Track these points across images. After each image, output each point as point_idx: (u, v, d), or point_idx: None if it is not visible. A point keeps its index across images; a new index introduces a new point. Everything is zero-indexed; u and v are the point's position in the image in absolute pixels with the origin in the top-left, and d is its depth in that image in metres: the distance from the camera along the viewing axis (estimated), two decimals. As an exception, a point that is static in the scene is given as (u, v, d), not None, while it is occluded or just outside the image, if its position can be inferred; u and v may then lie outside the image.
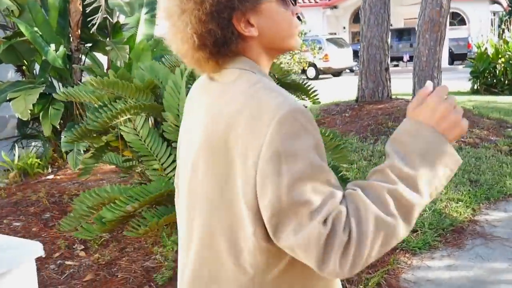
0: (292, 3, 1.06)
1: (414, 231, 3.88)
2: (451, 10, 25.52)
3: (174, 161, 3.59)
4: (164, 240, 3.67)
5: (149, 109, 3.59)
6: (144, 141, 3.46)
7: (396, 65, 23.61)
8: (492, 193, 4.73)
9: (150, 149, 3.49)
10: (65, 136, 4.72)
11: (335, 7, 26.63)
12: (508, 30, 12.57)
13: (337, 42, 20.91)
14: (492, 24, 27.45)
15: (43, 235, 4.00)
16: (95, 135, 3.55)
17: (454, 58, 23.33)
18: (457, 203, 4.46)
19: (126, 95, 3.42)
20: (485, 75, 12.84)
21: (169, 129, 3.50)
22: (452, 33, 24.14)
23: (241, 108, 0.95)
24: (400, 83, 11.99)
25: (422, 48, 6.25)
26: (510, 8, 36.51)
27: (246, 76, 1.01)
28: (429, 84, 0.99)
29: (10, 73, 6.62)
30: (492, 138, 6.22)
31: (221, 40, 0.99)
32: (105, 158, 3.83)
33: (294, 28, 1.07)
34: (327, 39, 20.39)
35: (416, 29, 6.50)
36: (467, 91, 13.04)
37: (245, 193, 0.94)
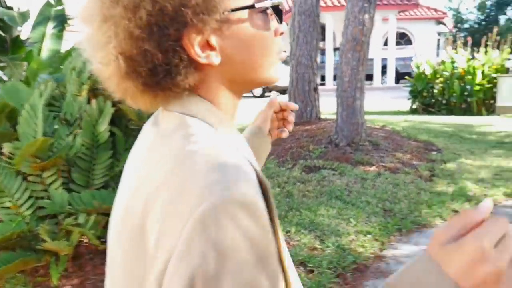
0: (277, 20, 0.73)
1: (310, 271, 3.52)
2: (398, 30, 26.17)
3: (31, 197, 3.13)
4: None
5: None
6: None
7: (322, 84, 23.66)
8: (405, 224, 4.44)
9: (1, 183, 3.03)
10: None
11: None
12: (456, 49, 12.66)
13: (285, 60, 20.74)
14: (438, 44, 28.07)
15: None
16: None
17: (400, 77, 23.65)
18: (365, 236, 4.14)
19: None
20: (423, 95, 12.89)
21: (24, 162, 3.05)
22: (399, 52, 24.60)
23: (165, 179, 0.62)
24: (329, 101, 11.75)
25: (345, 67, 5.99)
26: (456, 29, 37.61)
27: (187, 129, 0.66)
28: (485, 205, 0.56)
29: None
30: (414, 163, 5.98)
31: (162, 69, 0.65)
32: None
33: (275, 54, 0.74)
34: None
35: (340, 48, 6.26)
36: (407, 110, 13.04)
37: None
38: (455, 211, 4.82)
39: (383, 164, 5.73)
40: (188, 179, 0.59)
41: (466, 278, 0.53)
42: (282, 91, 20.82)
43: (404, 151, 6.33)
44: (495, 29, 13.05)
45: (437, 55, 21.93)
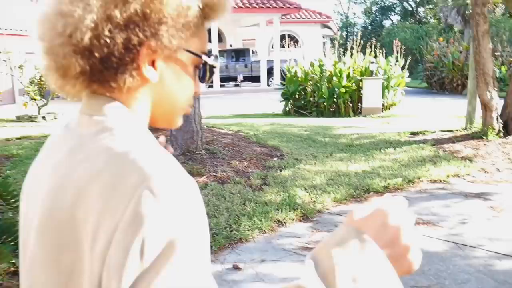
0: (206, 79, 0.82)
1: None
2: (286, 33, 26.56)
3: None
4: None
5: None
6: None
7: (222, 85, 23.59)
8: (218, 240, 4.14)
9: None
10: None
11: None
12: (345, 53, 12.85)
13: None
14: (324, 47, 28.86)
15: None
16: None
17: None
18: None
19: None
20: (296, 97, 12.96)
21: None
22: (287, 55, 24.93)
23: (99, 171, 0.66)
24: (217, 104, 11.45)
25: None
26: (346, 33, 39.08)
27: (111, 131, 0.71)
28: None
29: None
30: (249, 171, 5.75)
31: (115, 61, 0.71)
32: None
33: (188, 105, 0.83)
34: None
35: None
36: (281, 113, 13.05)
37: None
38: (279, 221, 4.62)
39: (215, 174, 5.43)
40: (128, 163, 0.66)
41: (378, 236, 0.64)
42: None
43: (243, 158, 6.09)
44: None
45: (325, 57, 22.47)
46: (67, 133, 0.77)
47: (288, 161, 6.35)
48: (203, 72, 0.81)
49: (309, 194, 5.27)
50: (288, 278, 3.56)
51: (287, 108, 13.01)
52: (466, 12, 25.72)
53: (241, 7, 21.48)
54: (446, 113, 11.72)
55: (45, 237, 0.71)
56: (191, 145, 5.81)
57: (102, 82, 0.73)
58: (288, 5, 21.57)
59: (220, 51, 24.21)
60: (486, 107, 7.57)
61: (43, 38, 0.73)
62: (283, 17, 23.19)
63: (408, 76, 13.17)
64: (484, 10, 6.77)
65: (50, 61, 0.73)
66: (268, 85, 22.50)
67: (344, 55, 13.05)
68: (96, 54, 0.70)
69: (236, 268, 3.75)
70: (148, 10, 0.70)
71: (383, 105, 12.37)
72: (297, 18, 26.21)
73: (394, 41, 13.47)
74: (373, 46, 12.84)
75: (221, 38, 27.63)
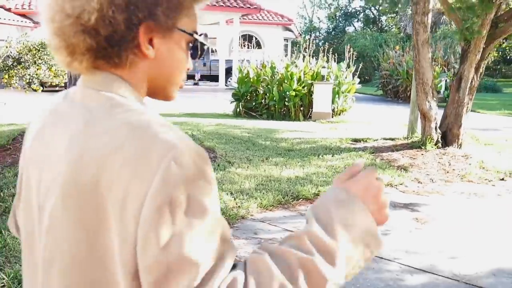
0: (198, 55, 0.91)
1: None
2: (246, 32, 26.40)
3: None
4: None
5: None
6: None
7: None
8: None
9: None
10: None
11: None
12: (310, 56, 12.73)
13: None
14: (285, 49, 28.85)
15: None
16: None
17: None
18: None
19: None
20: (247, 98, 12.79)
21: None
22: (248, 55, 24.79)
23: (121, 143, 0.75)
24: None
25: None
26: (309, 37, 39.21)
27: (123, 106, 0.81)
28: (360, 161, 0.93)
29: None
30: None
31: (118, 38, 0.80)
32: None
33: (181, 79, 0.91)
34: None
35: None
36: (231, 113, 12.87)
37: (122, 253, 0.74)
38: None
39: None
40: (151, 136, 0.74)
41: (363, 196, 0.84)
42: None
43: (171, 159, 5.87)
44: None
45: (287, 59, 22.43)
46: (72, 105, 0.85)
47: (219, 164, 6.15)
48: (195, 50, 0.89)
49: (235, 199, 5.09)
50: None
51: (238, 109, 12.82)
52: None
53: (201, 4, 21.24)
54: (394, 121, 11.78)
55: (69, 200, 0.79)
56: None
57: (106, 58, 0.82)
58: (248, 5, 21.42)
59: (179, 49, 23.93)
60: (425, 117, 7.58)
61: (54, 19, 0.80)
62: (244, 17, 23.03)
63: (366, 83, 13.24)
64: (425, 19, 6.77)
65: (60, 41, 0.81)
66: (226, 85, 22.30)
67: (304, 58, 12.96)
68: (102, 33, 0.79)
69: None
70: None
71: (333, 110, 12.35)
72: (259, 19, 26.13)
73: (346, 47, 13.47)
74: (325, 50, 12.81)
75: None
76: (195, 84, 23.81)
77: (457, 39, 7.26)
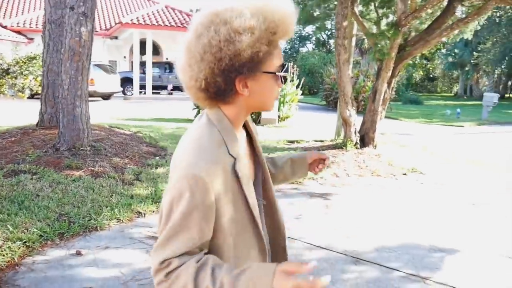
0: (281, 80, 1.07)
1: None
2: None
3: None
4: None
5: None
6: None
7: (157, 93, 23.52)
8: (73, 228, 3.89)
9: None
10: None
11: (116, 37, 25.13)
12: None
13: (105, 68, 19.44)
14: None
15: None
16: None
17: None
18: (14, 242, 3.49)
19: None
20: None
21: None
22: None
23: (183, 151, 1.03)
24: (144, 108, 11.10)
25: (64, 76, 5.31)
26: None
27: (204, 126, 1.05)
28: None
29: None
30: (128, 167, 5.52)
31: (222, 91, 1.02)
32: None
33: (275, 97, 1.10)
34: (95, 65, 18.76)
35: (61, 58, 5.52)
36: (192, 119, 12.84)
37: None
38: (139, 213, 4.43)
39: (92, 168, 5.16)
40: (185, 155, 1.00)
41: None
42: (106, 96, 19.60)
43: (126, 156, 5.84)
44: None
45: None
46: (197, 120, 1.11)
47: (167, 160, 6.17)
48: (280, 79, 1.06)
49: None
50: (121, 264, 3.40)
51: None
52: (362, 46, 26.79)
53: (173, 25, 21.13)
54: (327, 126, 11.99)
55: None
56: (77, 141, 5.50)
57: (218, 101, 1.05)
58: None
59: (154, 63, 23.68)
60: (346, 123, 7.77)
61: (183, 80, 1.05)
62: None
63: (314, 95, 13.39)
64: (345, 42, 6.96)
65: (189, 93, 1.06)
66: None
67: None
68: (210, 90, 1.02)
69: (78, 254, 3.53)
70: (233, 62, 0.98)
71: (279, 116, 12.48)
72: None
73: (289, 64, 13.63)
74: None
75: (158, 51, 27.06)
76: (169, 93, 23.64)
77: (373, 59, 7.47)
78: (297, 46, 43.46)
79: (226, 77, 0.99)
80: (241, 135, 1.16)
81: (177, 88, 24.19)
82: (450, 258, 3.75)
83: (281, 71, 1.05)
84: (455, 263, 3.64)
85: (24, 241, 3.54)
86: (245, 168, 1.07)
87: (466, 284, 3.28)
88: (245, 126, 1.21)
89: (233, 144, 1.05)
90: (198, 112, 12.82)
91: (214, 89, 1.01)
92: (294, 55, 40.33)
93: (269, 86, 1.05)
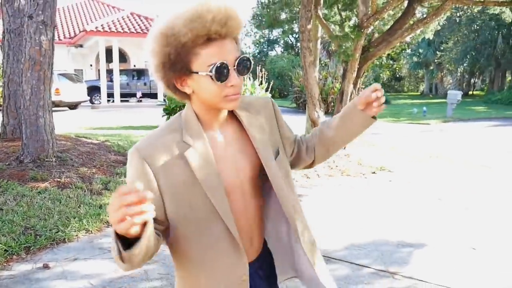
0: (220, 80, 1.06)
1: None
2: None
3: None
4: None
5: None
6: None
7: (126, 100, 23.30)
8: (39, 241, 3.80)
9: None
10: None
11: (81, 45, 24.68)
12: None
13: (71, 77, 19.05)
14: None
15: None
16: None
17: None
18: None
19: None
20: (176, 112, 12.71)
21: None
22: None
23: None
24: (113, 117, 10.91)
25: (25, 86, 5.19)
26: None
27: (173, 117, 1.19)
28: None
29: None
30: (96, 177, 5.44)
31: (172, 88, 1.12)
32: None
33: (221, 96, 1.09)
34: (60, 74, 18.36)
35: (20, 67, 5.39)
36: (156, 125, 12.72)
37: None
38: (108, 222, 4.37)
39: (59, 179, 5.05)
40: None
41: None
42: (73, 106, 19.19)
43: (93, 165, 5.75)
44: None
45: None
46: None
47: (137, 168, 6.10)
48: (215, 77, 1.05)
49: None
50: (91, 275, 3.35)
51: (168, 122, 12.71)
52: (330, 48, 27.20)
53: (139, 32, 20.93)
54: (299, 128, 12.11)
55: None
56: (42, 153, 5.38)
57: (181, 97, 1.15)
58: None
59: (122, 71, 23.36)
60: (315, 124, 7.87)
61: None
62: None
63: (285, 98, 13.43)
64: (310, 44, 7.06)
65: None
66: (164, 101, 22.03)
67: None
68: (170, 88, 1.14)
69: (45, 267, 3.45)
70: (164, 65, 1.08)
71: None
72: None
73: (257, 67, 13.72)
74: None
75: (125, 59, 26.70)
76: (139, 101, 23.37)
77: (338, 61, 7.60)
78: (265, 50, 43.72)
79: (167, 77, 1.09)
80: (227, 129, 1.20)
81: (147, 95, 23.96)
82: (418, 252, 3.86)
83: (212, 70, 1.04)
84: (422, 257, 3.75)
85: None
86: (206, 157, 1.12)
87: (433, 276, 3.38)
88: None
89: (190, 132, 1.13)
90: (168, 119, 12.75)
91: (170, 87, 1.11)
92: (263, 58, 40.56)
93: (205, 84, 1.07)
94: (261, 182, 1.28)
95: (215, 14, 1.02)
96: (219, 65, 1.04)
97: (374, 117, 1.32)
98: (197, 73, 1.06)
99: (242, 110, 1.24)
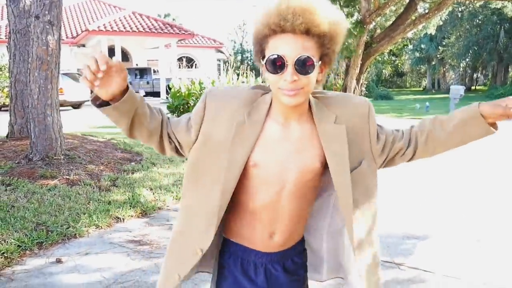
0: (272, 72, 1.10)
1: None
2: (184, 54, 26.30)
3: None
4: None
5: None
6: None
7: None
8: (51, 237, 3.88)
9: None
10: None
11: (83, 45, 24.78)
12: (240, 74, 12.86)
13: (74, 77, 19.15)
14: (218, 68, 28.96)
15: None
16: None
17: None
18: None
19: None
20: (180, 110, 12.80)
21: None
22: (187, 74, 24.75)
23: None
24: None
25: (33, 86, 5.28)
26: (240, 57, 39.52)
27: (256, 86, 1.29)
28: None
29: None
30: (104, 174, 5.52)
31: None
32: None
33: (276, 87, 1.12)
34: (63, 74, 18.44)
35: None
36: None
37: None
38: (118, 218, 4.45)
39: (68, 177, 5.14)
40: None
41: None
42: (76, 105, 19.29)
43: (101, 163, 5.83)
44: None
45: (220, 76, 22.58)
46: None
47: (143, 165, 6.18)
48: (267, 68, 1.11)
49: (153, 194, 5.16)
50: (103, 268, 3.43)
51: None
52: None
53: (141, 31, 21.01)
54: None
55: None
56: (50, 151, 5.46)
57: None
58: (183, 32, 21.43)
59: (124, 69, 23.45)
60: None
61: None
62: (181, 41, 22.99)
63: None
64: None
65: None
66: (167, 99, 22.13)
67: (238, 76, 13.12)
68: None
69: (58, 261, 3.54)
70: (254, 51, 1.18)
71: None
72: (193, 43, 26.12)
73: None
74: (245, 68, 13.07)
75: (127, 58, 26.80)
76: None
77: (341, 57, 7.67)
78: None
79: (257, 63, 1.18)
80: (298, 126, 1.20)
81: (150, 93, 24.07)
82: (422, 244, 3.93)
83: (266, 60, 1.10)
84: (427, 249, 3.81)
85: (2, 252, 3.52)
86: (248, 139, 1.18)
87: (437, 267, 3.45)
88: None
89: (254, 112, 1.19)
90: (172, 116, 12.84)
91: (262, 73, 1.18)
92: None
93: (266, 73, 1.13)
94: (323, 187, 1.33)
95: (290, 7, 1.07)
96: (272, 57, 1.09)
97: (495, 127, 1.25)
98: (259, 62, 1.16)
99: (324, 112, 1.21)
